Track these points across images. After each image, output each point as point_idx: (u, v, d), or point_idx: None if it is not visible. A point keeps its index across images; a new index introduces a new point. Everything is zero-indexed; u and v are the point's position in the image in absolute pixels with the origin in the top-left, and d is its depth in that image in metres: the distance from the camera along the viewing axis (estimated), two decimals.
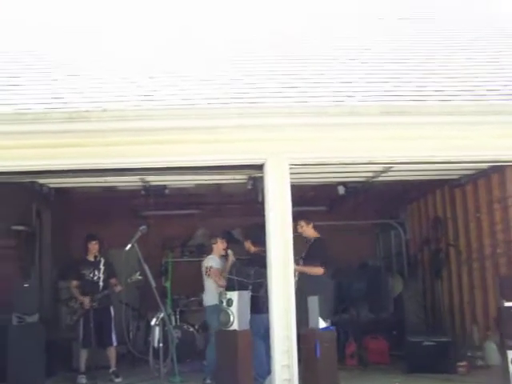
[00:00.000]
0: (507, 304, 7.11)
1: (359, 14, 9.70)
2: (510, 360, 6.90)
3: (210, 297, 7.89)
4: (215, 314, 7.52)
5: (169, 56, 7.50)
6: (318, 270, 7.57)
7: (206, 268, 7.96)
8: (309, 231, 7.91)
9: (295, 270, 6.70)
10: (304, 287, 7.26)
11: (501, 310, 7.24)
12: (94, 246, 8.30)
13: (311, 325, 6.83)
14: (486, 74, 6.95)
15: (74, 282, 8.30)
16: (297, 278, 7.11)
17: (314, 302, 6.85)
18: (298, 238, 7.38)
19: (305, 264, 7.64)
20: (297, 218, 7.23)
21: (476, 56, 7.61)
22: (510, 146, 6.41)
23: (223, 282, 7.74)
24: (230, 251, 7.99)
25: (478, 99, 6.33)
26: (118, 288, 8.19)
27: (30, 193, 8.84)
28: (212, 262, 8.01)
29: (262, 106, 6.12)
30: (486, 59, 7.51)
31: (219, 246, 8.11)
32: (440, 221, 9.99)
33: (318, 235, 7.92)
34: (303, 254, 7.77)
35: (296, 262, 6.99)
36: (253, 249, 7.72)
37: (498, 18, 9.49)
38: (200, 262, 8.34)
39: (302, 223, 7.83)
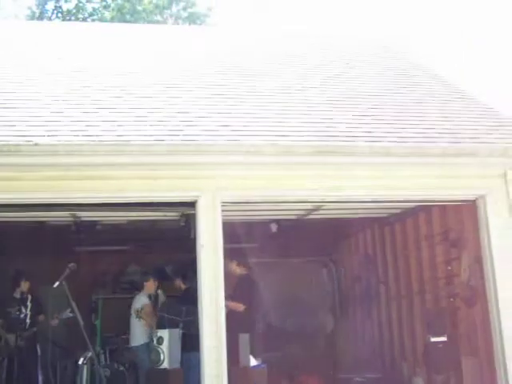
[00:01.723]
0: (434, 339, 7.31)
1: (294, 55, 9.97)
2: None
3: (138, 336, 7.80)
4: (145, 352, 7.44)
5: (105, 91, 7.46)
6: (238, 307, 7.47)
7: (137, 310, 7.87)
8: (234, 268, 7.88)
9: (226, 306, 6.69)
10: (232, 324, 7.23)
11: (428, 344, 7.44)
12: (25, 285, 8.08)
13: (242, 362, 6.82)
14: (411, 118, 7.25)
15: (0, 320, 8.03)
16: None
17: (244, 339, 6.86)
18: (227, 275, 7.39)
19: (233, 301, 7.58)
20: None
21: (403, 100, 7.93)
22: (434, 185, 6.69)
23: (153, 321, 7.67)
24: (160, 291, 7.96)
25: (405, 141, 6.58)
26: (55, 321, 7.99)
27: None
28: (141, 303, 7.95)
29: (195, 143, 6.17)
30: (410, 103, 7.84)
31: (150, 284, 8.07)
32: (370, 258, 10.20)
33: (244, 272, 7.90)
34: (231, 291, 7.71)
35: (225, 297, 6.98)
36: (183, 286, 7.71)
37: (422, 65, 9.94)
38: (131, 299, 8.24)
39: (226, 261, 7.81)
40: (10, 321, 7.98)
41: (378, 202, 7.23)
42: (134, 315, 7.90)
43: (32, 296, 8.15)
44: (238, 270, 7.86)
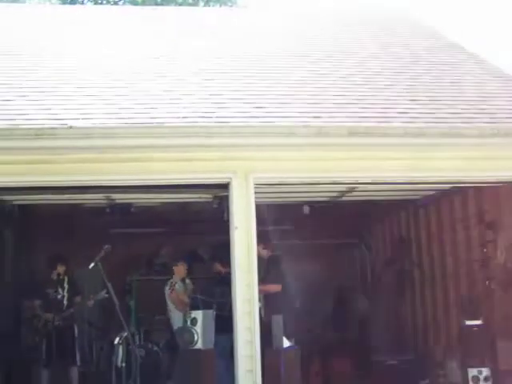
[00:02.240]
0: (468, 323, 7.24)
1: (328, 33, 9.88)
2: (470, 378, 7.02)
3: (176, 318, 7.91)
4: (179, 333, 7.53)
5: (138, 74, 7.50)
6: (276, 288, 7.46)
7: (167, 294, 7.99)
8: (260, 252, 7.82)
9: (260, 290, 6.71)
10: (266, 306, 7.26)
11: (462, 328, 7.37)
12: (61, 267, 8.21)
13: (275, 344, 6.84)
14: (447, 98, 7.13)
15: (38, 301, 8.18)
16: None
17: (278, 320, 6.88)
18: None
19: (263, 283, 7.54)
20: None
21: (438, 80, 7.80)
22: (470, 167, 6.58)
23: (182, 307, 7.73)
24: (188, 281, 8.02)
25: (440, 122, 6.49)
26: (91, 302, 8.12)
27: None
28: (165, 289, 8.05)
29: (228, 125, 6.18)
30: (447, 83, 7.71)
31: (180, 269, 8.12)
32: (404, 240, 10.12)
33: (270, 253, 7.88)
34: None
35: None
36: (223, 270, 7.73)
37: (458, 43, 9.75)
38: (165, 281, 8.32)
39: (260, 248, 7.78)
40: (47, 302, 8.11)
41: (413, 183, 7.16)
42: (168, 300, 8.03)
43: (68, 278, 8.27)
44: (264, 252, 7.81)
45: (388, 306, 10.50)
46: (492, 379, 7.04)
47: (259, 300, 6.88)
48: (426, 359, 8.91)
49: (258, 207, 6.44)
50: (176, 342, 7.72)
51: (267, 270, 7.62)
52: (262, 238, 7.80)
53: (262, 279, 7.47)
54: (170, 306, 8.04)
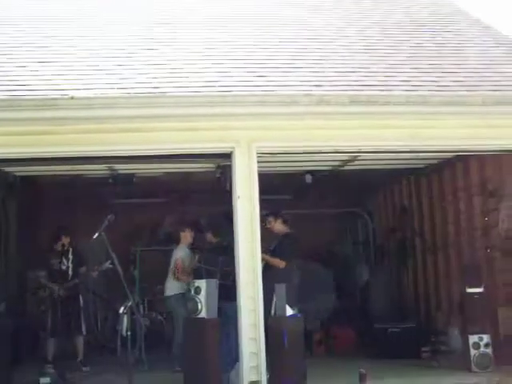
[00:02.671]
0: (470, 290, 7.29)
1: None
2: (471, 344, 7.09)
3: (170, 287, 7.95)
4: (179, 302, 7.57)
5: (140, 43, 7.44)
6: (280, 263, 7.46)
7: (176, 260, 8.00)
8: (277, 226, 7.82)
9: (262, 259, 6.76)
10: (269, 275, 7.29)
11: (464, 295, 7.43)
12: (65, 239, 8.25)
13: (278, 312, 6.88)
14: (449, 66, 7.08)
15: (43, 272, 8.23)
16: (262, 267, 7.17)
17: (281, 289, 6.90)
18: (267, 230, 7.44)
19: (272, 256, 7.51)
20: (265, 211, 7.28)
21: (440, 48, 7.73)
22: (473, 135, 6.56)
23: (185, 278, 7.77)
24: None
25: (443, 90, 6.45)
26: (95, 273, 8.18)
27: None
28: (181, 252, 8.05)
29: (230, 94, 6.15)
30: (449, 51, 7.64)
31: (187, 235, 8.15)
32: (406, 210, 10.14)
33: (288, 230, 7.86)
34: (271, 247, 7.69)
35: (263, 251, 7.02)
36: (214, 240, 7.80)
37: (462, 9, 9.65)
38: (168, 251, 8.35)
39: (270, 219, 7.76)
40: (52, 272, 8.17)
41: (415, 152, 7.14)
42: (172, 265, 8.04)
43: (73, 249, 8.32)
44: (281, 227, 7.82)
45: (390, 274, 10.57)
46: (492, 345, 7.11)
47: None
48: (428, 327, 9.00)
49: (261, 176, 6.44)
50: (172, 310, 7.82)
51: (280, 245, 7.64)
52: (281, 213, 7.85)
53: (272, 252, 7.55)
54: (170, 275, 8.06)
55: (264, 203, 6.54)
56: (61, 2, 9.43)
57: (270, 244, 7.68)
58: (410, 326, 8.43)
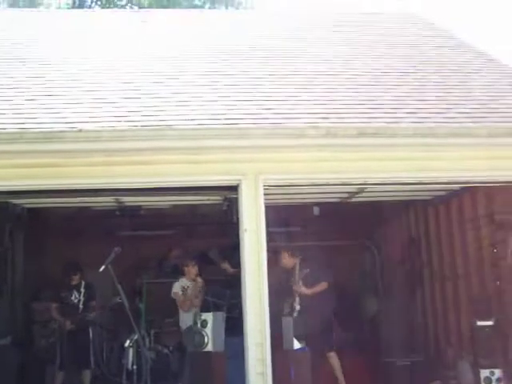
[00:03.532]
0: (480, 323, 7.20)
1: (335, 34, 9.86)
2: (482, 379, 6.98)
3: (184, 319, 7.91)
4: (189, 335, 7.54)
5: (146, 76, 7.51)
6: (323, 286, 7.64)
7: (174, 294, 8.00)
8: (290, 261, 7.90)
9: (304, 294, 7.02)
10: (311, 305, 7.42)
11: (474, 328, 7.33)
12: (77, 274, 8.23)
13: (286, 346, 6.84)
14: (455, 98, 7.10)
15: (54, 305, 8.21)
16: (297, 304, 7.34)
17: (288, 323, 6.87)
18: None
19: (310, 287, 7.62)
20: (281, 249, 7.59)
21: (446, 80, 7.77)
22: (480, 167, 6.55)
23: (187, 308, 7.74)
24: (199, 279, 8.01)
25: (449, 121, 6.46)
26: (106, 308, 8.17)
27: (2, 213, 8.74)
28: (177, 287, 8.05)
29: (237, 127, 6.18)
30: (455, 83, 7.68)
31: (190, 270, 8.13)
32: (414, 240, 10.08)
33: (297, 258, 7.90)
34: (296, 279, 7.72)
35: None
36: (231, 270, 7.75)
37: (467, 42, 9.71)
38: (174, 283, 8.33)
39: (286, 255, 7.85)
40: (63, 306, 8.14)
41: (422, 183, 7.12)
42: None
43: (85, 282, 8.29)
44: (290, 260, 7.85)
45: (398, 306, 10.46)
46: (504, 380, 6.99)
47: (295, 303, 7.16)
48: (437, 360, 8.87)
49: (268, 208, 6.43)
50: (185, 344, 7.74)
51: (308, 272, 7.67)
52: (287, 245, 7.90)
53: (305, 282, 7.58)
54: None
55: (271, 235, 6.53)
56: (67, 36, 9.54)
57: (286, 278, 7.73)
58: (419, 360, 8.32)
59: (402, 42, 9.53)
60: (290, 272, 7.83)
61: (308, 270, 7.67)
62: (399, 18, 11.11)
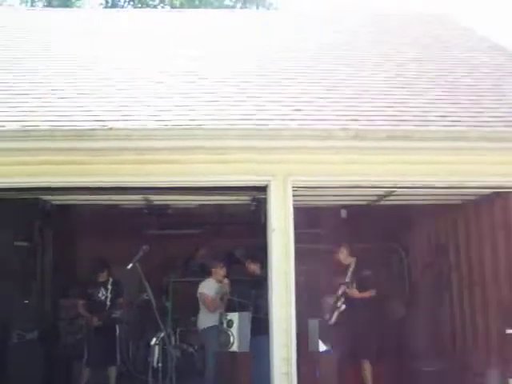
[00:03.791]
0: (510, 331, 7.09)
1: (366, 36, 9.81)
2: None
3: (202, 319, 7.91)
4: (211, 335, 7.52)
5: (177, 76, 7.55)
6: (372, 293, 7.65)
7: (201, 294, 7.99)
8: (347, 259, 7.95)
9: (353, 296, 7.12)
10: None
11: (503, 336, 7.23)
12: (105, 271, 8.30)
13: (311, 348, 6.82)
14: (488, 101, 7.01)
15: (81, 301, 8.29)
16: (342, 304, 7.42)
17: (314, 325, 6.86)
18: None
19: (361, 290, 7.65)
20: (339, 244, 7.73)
21: (478, 83, 7.68)
22: None
23: (215, 308, 7.73)
24: (226, 281, 7.99)
25: (481, 125, 6.38)
26: (133, 305, 8.21)
27: (33, 209, 8.84)
28: (205, 288, 8.03)
29: (267, 128, 6.17)
30: (487, 86, 7.58)
31: (218, 271, 8.11)
32: (442, 245, 9.97)
33: (354, 257, 7.95)
34: (348, 279, 7.74)
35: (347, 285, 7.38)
36: (259, 271, 7.74)
37: (500, 44, 9.58)
38: (200, 282, 8.35)
39: (345, 252, 7.91)
40: (91, 302, 8.23)
41: (452, 188, 7.04)
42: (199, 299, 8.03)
43: (112, 279, 8.36)
44: (348, 259, 7.85)
45: (425, 310, 10.35)
46: None
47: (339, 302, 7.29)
48: (465, 367, 8.76)
49: (296, 210, 6.42)
50: (206, 343, 7.75)
51: (365, 275, 7.68)
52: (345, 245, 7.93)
53: (357, 284, 7.61)
54: (201, 306, 8.04)
55: (298, 236, 6.51)
56: (100, 35, 9.63)
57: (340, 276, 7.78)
58: (445, 366, 8.22)
59: (434, 44, 9.45)
60: (341, 269, 7.86)
61: (369, 272, 7.68)
62: (431, 21, 11.01)
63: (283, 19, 12.21)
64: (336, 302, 7.61)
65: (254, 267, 7.73)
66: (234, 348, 6.83)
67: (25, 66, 7.91)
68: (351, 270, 7.80)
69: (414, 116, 6.57)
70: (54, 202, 8.81)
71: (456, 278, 9.56)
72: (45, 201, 8.59)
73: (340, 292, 7.69)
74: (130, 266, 6.19)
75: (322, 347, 6.84)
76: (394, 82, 7.60)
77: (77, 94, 6.98)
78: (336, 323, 7.57)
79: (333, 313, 7.64)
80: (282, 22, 11.69)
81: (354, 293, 7.55)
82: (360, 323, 7.40)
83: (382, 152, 6.39)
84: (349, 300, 7.62)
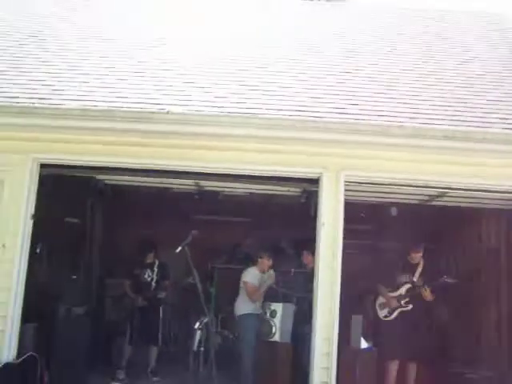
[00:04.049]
0: None
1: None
2: None
3: (242, 305, 7.91)
4: (246, 322, 7.51)
5: (236, 63, 7.56)
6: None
7: (245, 283, 7.99)
8: (417, 257, 7.78)
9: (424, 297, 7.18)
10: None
11: None
12: (152, 253, 8.40)
13: (353, 344, 6.78)
14: None
15: (127, 282, 8.42)
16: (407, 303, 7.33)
17: (357, 321, 6.82)
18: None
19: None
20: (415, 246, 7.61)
21: None
22: None
23: (256, 297, 7.72)
24: (271, 272, 7.96)
25: None
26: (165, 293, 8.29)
27: (85, 187, 8.96)
28: (249, 276, 8.02)
29: (322, 120, 6.15)
30: None
31: (265, 262, 8.07)
32: (493, 250, 9.75)
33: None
34: (415, 279, 7.62)
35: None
36: (311, 264, 7.68)
37: None
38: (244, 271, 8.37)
39: (421, 251, 7.75)
40: (137, 283, 8.33)
41: (510, 193, 6.88)
42: (241, 286, 8.03)
43: (159, 261, 8.46)
44: (417, 257, 7.75)
45: (472, 315, 10.16)
46: None
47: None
48: (509, 376, 8.57)
49: (346, 204, 6.38)
50: (241, 330, 7.77)
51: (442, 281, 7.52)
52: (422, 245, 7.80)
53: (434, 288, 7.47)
54: (243, 293, 8.03)
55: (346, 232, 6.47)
56: (160, 18, 9.67)
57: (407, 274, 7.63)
58: (489, 374, 8.05)
59: (500, 44, 9.20)
60: (407, 268, 7.71)
61: (448, 280, 7.55)
62: (501, 18, 10.70)
63: (345, 11, 12.02)
64: (399, 301, 7.45)
65: (311, 258, 7.64)
66: (276, 338, 6.83)
67: (87, 48, 8.02)
68: (419, 270, 7.65)
69: (473, 117, 6.44)
70: (107, 182, 8.93)
71: (505, 285, 9.36)
72: (98, 179, 8.71)
73: (404, 290, 7.53)
74: (179, 249, 6.24)
75: (364, 344, 6.78)
76: (455, 81, 7.45)
77: (136, 76, 7.06)
78: (392, 320, 7.44)
79: (394, 311, 7.48)
80: (342, 14, 11.52)
81: (428, 295, 7.39)
82: (417, 324, 7.34)
83: (438, 152, 6.31)
84: (414, 300, 7.45)
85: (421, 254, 7.73)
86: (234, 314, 8.83)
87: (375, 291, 7.78)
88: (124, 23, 9.24)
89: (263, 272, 8.06)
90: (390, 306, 7.52)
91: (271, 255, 8.10)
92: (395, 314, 7.48)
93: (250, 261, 8.75)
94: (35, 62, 7.36)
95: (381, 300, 7.66)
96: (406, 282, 7.58)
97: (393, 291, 7.61)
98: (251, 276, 8.04)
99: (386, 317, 7.56)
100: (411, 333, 7.24)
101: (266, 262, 8.03)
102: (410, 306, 7.42)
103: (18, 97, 6.28)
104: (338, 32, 9.50)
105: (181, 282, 7.87)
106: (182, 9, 10.21)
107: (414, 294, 7.46)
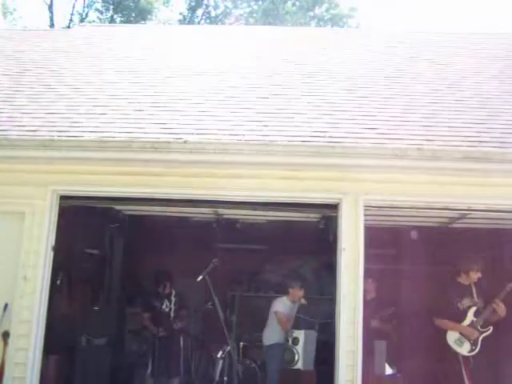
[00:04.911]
0: None
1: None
2: None
3: (271, 335, 7.85)
4: (275, 352, 7.45)
5: (251, 92, 7.61)
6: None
7: (277, 313, 7.91)
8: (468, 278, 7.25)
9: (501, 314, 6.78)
10: None
11: None
12: (168, 283, 8.37)
13: (377, 370, 6.69)
14: None
15: (146, 314, 8.39)
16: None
17: (381, 346, 6.73)
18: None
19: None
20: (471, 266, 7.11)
21: None
22: None
23: (288, 327, 7.65)
24: (303, 301, 7.88)
25: None
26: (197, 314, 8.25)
27: (105, 218, 9.03)
28: (280, 306, 7.96)
29: (340, 145, 6.14)
30: None
31: (296, 292, 8.02)
32: None
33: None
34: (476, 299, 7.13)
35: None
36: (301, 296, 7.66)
37: None
38: (266, 298, 8.32)
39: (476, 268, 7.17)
40: (155, 314, 8.31)
41: None
42: (271, 316, 7.95)
43: (176, 291, 8.43)
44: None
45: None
46: None
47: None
48: None
49: (366, 229, 6.33)
50: (268, 359, 7.69)
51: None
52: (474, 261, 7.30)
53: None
54: (273, 323, 7.97)
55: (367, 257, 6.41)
56: (175, 51, 9.82)
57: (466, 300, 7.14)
58: None
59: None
60: (463, 289, 7.20)
61: None
62: (502, 37, 10.71)
63: (359, 37, 12.12)
64: (476, 327, 6.83)
65: (300, 293, 7.59)
66: (299, 366, 6.76)
67: (102, 79, 8.14)
68: (475, 290, 7.13)
69: (491, 137, 6.40)
70: (126, 212, 8.98)
71: None
72: (117, 210, 8.76)
73: (472, 315, 6.91)
74: (200, 278, 6.23)
75: (388, 370, 6.68)
76: (472, 102, 7.43)
77: (153, 107, 7.13)
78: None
79: (477, 340, 6.84)
80: (357, 40, 11.61)
81: (502, 310, 6.79)
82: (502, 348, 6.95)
83: (457, 173, 6.25)
84: (488, 322, 6.89)
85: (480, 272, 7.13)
86: (255, 343, 8.79)
87: (434, 327, 7.13)
88: (144, 56, 9.37)
89: (294, 302, 8.00)
90: (469, 338, 6.86)
91: (303, 285, 8.04)
92: (479, 343, 6.84)
93: (270, 288, 8.73)
94: (54, 95, 7.47)
95: (454, 336, 6.91)
96: (470, 306, 7.00)
97: (462, 321, 6.97)
98: (282, 306, 7.98)
99: (471, 351, 6.85)
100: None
101: (298, 292, 7.97)
102: (491, 328, 6.84)
103: (37, 130, 6.35)
104: (353, 57, 9.53)
105: (200, 309, 7.82)
106: (194, 42, 10.37)
107: (487, 315, 6.94)
